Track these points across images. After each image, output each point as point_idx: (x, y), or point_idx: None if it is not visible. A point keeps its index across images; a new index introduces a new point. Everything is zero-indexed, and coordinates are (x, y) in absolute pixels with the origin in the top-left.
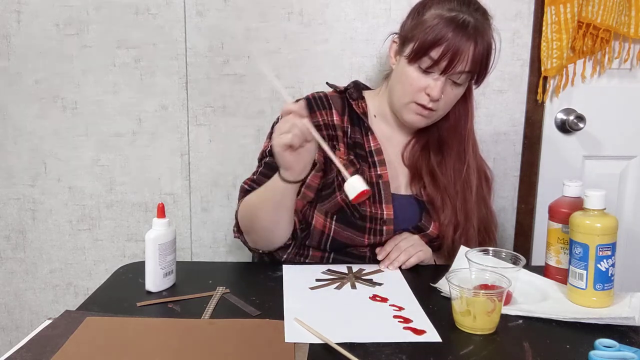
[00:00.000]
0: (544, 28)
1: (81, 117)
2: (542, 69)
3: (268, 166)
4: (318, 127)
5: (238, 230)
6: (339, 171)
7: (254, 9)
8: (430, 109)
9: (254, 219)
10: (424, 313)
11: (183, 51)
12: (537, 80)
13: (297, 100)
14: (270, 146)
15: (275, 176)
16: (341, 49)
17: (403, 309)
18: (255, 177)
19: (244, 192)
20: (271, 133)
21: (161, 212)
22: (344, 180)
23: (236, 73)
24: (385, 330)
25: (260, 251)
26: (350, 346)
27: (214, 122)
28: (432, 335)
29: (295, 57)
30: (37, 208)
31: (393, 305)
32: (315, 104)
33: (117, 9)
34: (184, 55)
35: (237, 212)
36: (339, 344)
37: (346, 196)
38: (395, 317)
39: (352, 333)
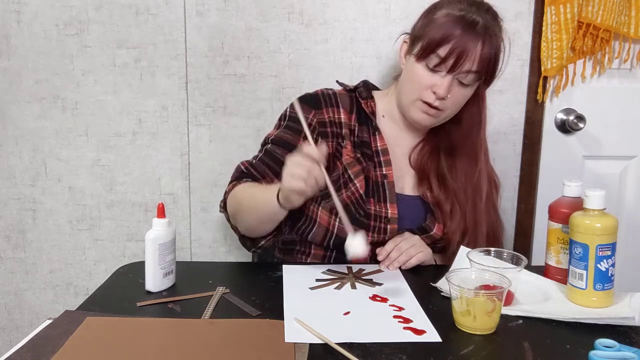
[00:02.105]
0: (544, 28)
1: (81, 117)
2: (542, 69)
3: (269, 154)
4: (324, 124)
5: (224, 207)
6: (345, 169)
7: (254, 9)
8: (436, 108)
9: (241, 214)
10: (424, 313)
11: (183, 51)
12: (537, 80)
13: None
14: (275, 136)
15: (272, 196)
16: (341, 49)
17: (403, 309)
18: (254, 161)
19: (240, 172)
20: (279, 124)
21: (161, 212)
22: (350, 179)
23: (236, 73)
24: (385, 330)
25: (241, 233)
26: (350, 346)
27: (214, 122)
28: (432, 335)
29: (295, 57)
30: (37, 208)
31: (393, 305)
32: (323, 100)
33: (117, 9)
34: (184, 55)
35: (227, 192)
36: (339, 344)
37: (345, 254)
38: (395, 317)
39: (352, 333)
